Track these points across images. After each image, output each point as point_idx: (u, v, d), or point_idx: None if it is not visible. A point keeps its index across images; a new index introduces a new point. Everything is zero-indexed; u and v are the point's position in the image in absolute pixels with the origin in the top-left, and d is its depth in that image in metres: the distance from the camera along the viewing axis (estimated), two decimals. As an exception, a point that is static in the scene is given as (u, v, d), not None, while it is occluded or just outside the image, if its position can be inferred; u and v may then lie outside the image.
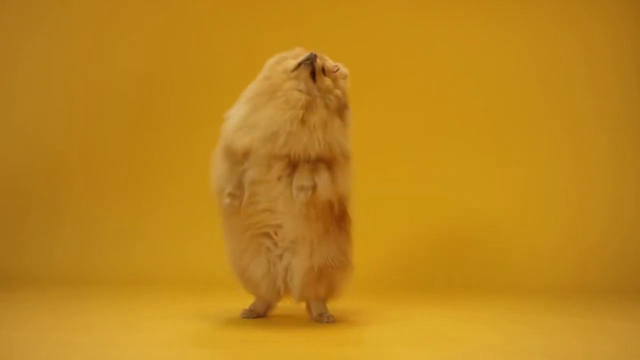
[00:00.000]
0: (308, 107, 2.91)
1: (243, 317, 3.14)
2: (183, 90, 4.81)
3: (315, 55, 2.97)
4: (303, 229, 2.94)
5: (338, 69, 3.03)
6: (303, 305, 3.19)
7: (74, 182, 4.73)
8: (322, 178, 2.91)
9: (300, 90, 2.94)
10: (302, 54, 3.01)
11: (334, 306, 3.20)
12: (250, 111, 2.94)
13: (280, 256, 3.00)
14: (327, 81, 2.98)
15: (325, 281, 3.03)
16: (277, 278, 3.01)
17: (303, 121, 2.89)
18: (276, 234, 2.98)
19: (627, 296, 4.06)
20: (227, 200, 2.95)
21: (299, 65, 2.96)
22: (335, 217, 3.02)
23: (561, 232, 4.57)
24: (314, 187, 2.90)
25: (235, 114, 2.98)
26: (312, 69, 2.95)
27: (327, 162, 2.93)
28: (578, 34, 4.77)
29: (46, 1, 4.86)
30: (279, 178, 2.92)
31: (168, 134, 4.75)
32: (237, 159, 2.94)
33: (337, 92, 3.00)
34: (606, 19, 4.75)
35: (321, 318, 3.09)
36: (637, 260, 4.44)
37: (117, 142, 4.79)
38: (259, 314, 3.16)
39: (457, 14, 4.79)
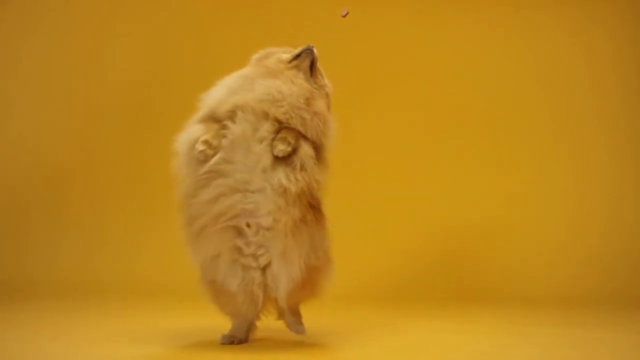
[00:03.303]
0: (312, 94, 2.86)
1: (223, 344, 2.83)
2: (183, 90, 4.78)
3: (312, 46, 2.93)
4: (278, 212, 2.68)
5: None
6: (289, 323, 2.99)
7: (75, 191, 4.73)
8: (306, 147, 2.76)
9: (303, 79, 2.89)
10: (290, 51, 2.96)
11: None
12: (243, 82, 2.81)
13: (254, 255, 2.73)
14: (319, 77, 2.97)
15: (308, 284, 2.84)
16: (253, 284, 2.74)
17: (308, 103, 2.81)
18: (248, 225, 2.71)
19: (624, 307, 4.04)
20: (200, 147, 2.67)
21: (298, 55, 2.91)
22: (312, 207, 2.78)
23: (561, 234, 4.57)
24: (296, 149, 2.72)
25: (218, 88, 2.85)
26: (312, 58, 2.92)
27: (314, 146, 2.80)
28: (578, 35, 4.77)
29: (46, 1, 4.87)
30: (263, 140, 2.70)
31: (168, 136, 4.73)
32: (219, 118, 2.75)
33: (328, 89, 2.99)
34: (606, 20, 4.74)
35: (291, 327, 2.93)
36: (636, 267, 4.44)
37: (118, 146, 4.80)
38: (240, 340, 2.86)
39: (457, 16, 4.78)
